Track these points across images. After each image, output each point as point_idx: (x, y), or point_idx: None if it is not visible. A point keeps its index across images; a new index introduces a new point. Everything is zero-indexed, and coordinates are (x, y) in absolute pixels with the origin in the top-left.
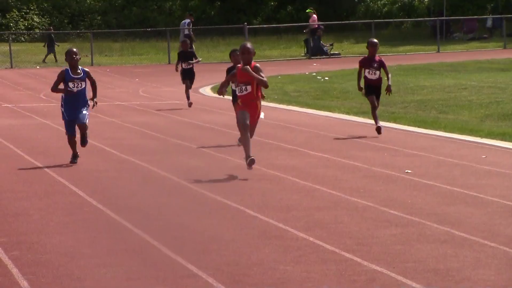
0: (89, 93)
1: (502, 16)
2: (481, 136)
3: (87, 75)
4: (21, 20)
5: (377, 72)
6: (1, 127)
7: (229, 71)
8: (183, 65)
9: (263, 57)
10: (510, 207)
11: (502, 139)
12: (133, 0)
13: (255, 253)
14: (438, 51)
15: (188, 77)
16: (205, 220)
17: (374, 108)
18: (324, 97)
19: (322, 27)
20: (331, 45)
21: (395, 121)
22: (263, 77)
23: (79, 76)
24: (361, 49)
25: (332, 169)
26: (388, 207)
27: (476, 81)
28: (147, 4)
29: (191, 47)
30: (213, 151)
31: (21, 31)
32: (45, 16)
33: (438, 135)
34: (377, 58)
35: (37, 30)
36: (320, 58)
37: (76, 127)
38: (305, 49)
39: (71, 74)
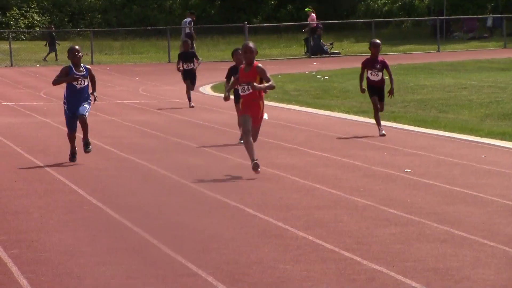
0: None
1: (503, 15)
2: (481, 136)
3: (89, 72)
4: (21, 18)
5: (380, 74)
6: (1, 125)
7: (231, 70)
8: (184, 65)
9: (263, 56)
10: (509, 206)
11: (502, 139)
12: None
13: (255, 252)
14: (438, 51)
15: (189, 77)
16: (204, 219)
17: (377, 110)
18: (324, 96)
19: (321, 26)
20: (331, 44)
21: (395, 120)
22: (269, 79)
23: (81, 74)
24: (361, 48)
25: (332, 168)
26: (387, 206)
27: (476, 80)
28: (147, 3)
29: (192, 47)
30: (213, 150)
31: (21, 30)
32: (46, 15)
33: (438, 135)
34: (380, 58)
35: (37, 29)
36: (320, 57)
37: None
38: (305, 48)
39: (74, 71)
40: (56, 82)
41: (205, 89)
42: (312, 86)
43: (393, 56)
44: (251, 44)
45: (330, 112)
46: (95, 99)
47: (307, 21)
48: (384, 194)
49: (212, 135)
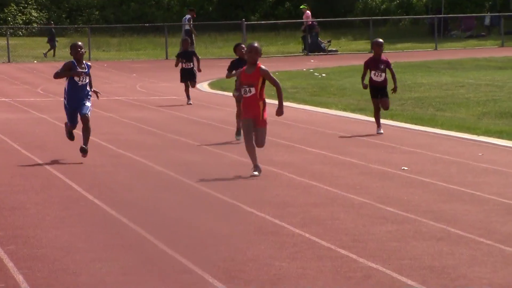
0: None
1: (500, 14)
2: (478, 134)
3: (89, 69)
4: (19, 14)
5: (383, 74)
6: None
7: (232, 63)
8: (184, 65)
9: None
10: (506, 205)
11: (499, 137)
12: None
13: (251, 249)
14: (436, 49)
15: (189, 78)
16: (201, 216)
17: (377, 111)
18: (321, 94)
19: (315, 23)
20: (329, 42)
21: (392, 118)
22: (275, 80)
23: (84, 71)
24: (359, 46)
25: (329, 165)
26: (384, 204)
27: (473, 79)
28: (145, 0)
29: (192, 44)
30: (210, 146)
31: (19, 26)
32: (43, 11)
33: (435, 133)
34: (383, 58)
35: (35, 25)
36: (318, 54)
37: (79, 120)
38: (303, 46)
39: (77, 67)
40: (57, 75)
41: (202, 86)
42: (309, 83)
43: (390, 54)
44: (256, 44)
45: (327, 109)
46: (98, 94)
47: (302, 18)
48: (381, 191)
49: (209, 132)
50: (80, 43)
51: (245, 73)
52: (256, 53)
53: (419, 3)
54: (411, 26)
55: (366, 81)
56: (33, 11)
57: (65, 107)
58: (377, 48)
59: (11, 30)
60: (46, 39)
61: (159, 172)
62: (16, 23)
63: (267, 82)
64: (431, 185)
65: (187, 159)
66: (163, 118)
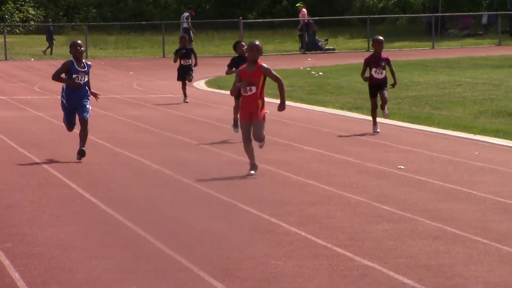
0: None
1: (497, 13)
2: (475, 133)
3: (89, 69)
4: (16, 12)
5: (384, 72)
6: None
7: (232, 61)
8: (182, 61)
9: None
10: (503, 204)
11: (495, 136)
12: None
13: (247, 247)
14: (433, 47)
15: (186, 73)
16: (197, 214)
17: (374, 109)
18: (318, 92)
19: (311, 21)
20: (326, 40)
21: (388, 117)
22: (276, 76)
23: (83, 70)
24: (356, 44)
25: (325, 164)
26: (380, 203)
27: (470, 77)
28: None
29: (191, 41)
30: (207, 145)
31: (16, 23)
32: (40, 9)
33: (431, 131)
34: (384, 56)
35: (32, 23)
36: (315, 53)
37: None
38: (300, 44)
39: (76, 67)
40: (55, 78)
41: (199, 84)
42: (306, 82)
43: (387, 53)
44: (257, 42)
45: (324, 108)
46: (96, 96)
47: (298, 16)
48: (377, 190)
49: (206, 130)
50: (79, 41)
51: (245, 71)
52: (257, 51)
53: (416, 2)
54: (408, 24)
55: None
56: (30, 9)
57: (63, 106)
58: (377, 45)
59: (8, 28)
60: (43, 37)
61: (156, 170)
62: (13, 21)
63: (267, 80)
64: (428, 184)
65: (184, 157)
66: (160, 116)
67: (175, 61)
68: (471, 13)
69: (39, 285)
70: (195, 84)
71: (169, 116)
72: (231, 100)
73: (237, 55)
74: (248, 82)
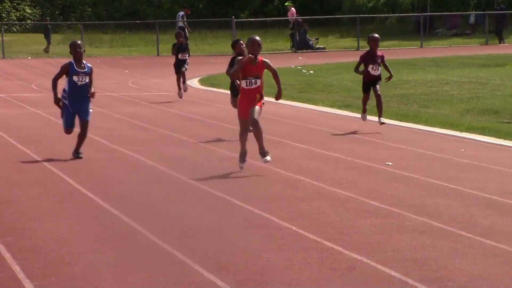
0: None
1: (485, 12)
2: (461, 130)
3: (90, 71)
4: (13, 11)
5: (380, 68)
6: None
7: (233, 60)
8: (179, 55)
9: None
10: (487, 199)
11: (481, 134)
12: None
13: (240, 241)
14: (421, 46)
15: (182, 66)
16: (191, 209)
17: (365, 102)
18: (308, 90)
19: (300, 20)
20: (317, 39)
21: (377, 115)
22: (275, 69)
23: (83, 70)
24: (346, 43)
25: (315, 160)
26: (369, 198)
27: (457, 76)
28: None
29: (186, 39)
30: (200, 142)
31: (13, 22)
32: (37, 7)
33: (419, 129)
34: (379, 53)
35: (28, 21)
36: (306, 52)
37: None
38: (291, 43)
39: (75, 67)
40: (52, 83)
41: (193, 82)
42: (297, 80)
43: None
44: (257, 38)
45: (315, 106)
46: (93, 94)
47: (287, 15)
48: (366, 186)
49: (200, 127)
50: (79, 42)
51: (250, 65)
52: (258, 46)
53: (405, 1)
54: (397, 24)
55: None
56: (27, 7)
57: (65, 107)
58: (373, 43)
59: (6, 27)
60: (40, 35)
61: (151, 166)
62: (10, 19)
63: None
64: (415, 180)
65: (178, 154)
66: (155, 113)
67: (172, 53)
68: (459, 13)
69: (39, 277)
70: (188, 82)
71: (163, 113)
72: (224, 98)
73: (236, 54)
74: (254, 77)
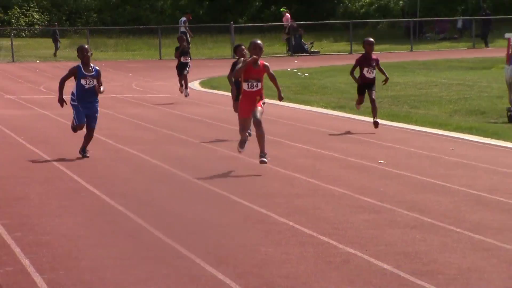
0: None
1: (472, 18)
2: (450, 130)
3: (98, 74)
4: (22, 16)
5: (374, 71)
6: (4, 117)
7: (234, 65)
8: (182, 58)
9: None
10: (475, 196)
11: (469, 133)
12: None
13: (239, 236)
14: (411, 50)
15: (184, 68)
16: (193, 206)
17: (360, 104)
18: (304, 92)
19: (295, 25)
20: (311, 43)
21: (369, 115)
22: (273, 74)
23: (91, 74)
24: (340, 47)
25: (311, 159)
26: (362, 195)
27: (446, 78)
28: (140, 3)
29: (188, 43)
30: (201, 141)
31: (22, 27)
32: (45, 13)
33: (409, 129)
34: (374, 56)
35: (37, 26)
36: (301, 55)
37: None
38: (287, 47)
39: (83, 71)
40: (60, 84)
41: (193, 84)
42: (293, 82)
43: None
44: (259, 41)
45: (310, 107)
46: (100, 89)
47: (289, 21)
48: (359, 183)
49: (201, 127)
50: (86, 46)
51: (252, 68)
52: (260, 49)
53: (396, 7)
54: (388, 29)
55: (357, 75)
56: (35, 13)
57: (74, 105)
58: (368, 46)
59: (15, 32)
60: (48, 39)
61: (154, 165)
62: (19, 25)
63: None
64: (406, 178)
65: (181, 153)
66: (158, 114)
67: (176, 56)
68: (447, 18)
69: (48, 271)
70: (189, 84)
71: (166, 114)
72: (224, 100)
73: (237, 58)
74: (256, 80)
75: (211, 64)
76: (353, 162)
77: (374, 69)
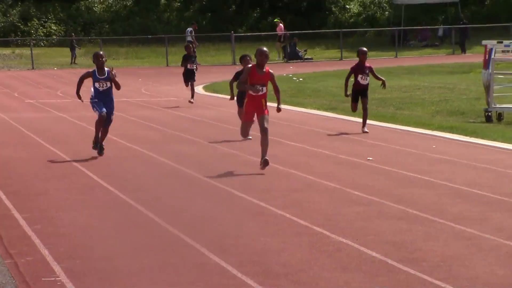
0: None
1: (452, 26)
2: (432, 129)
3: (109, 75)
4: (41, 27)
5: (368, 78)
6: (25, 120)
7: (237, 74)
8: (188, 65)
9: None
10: (456, 189)
11: (450, 132)
12: (136, 11)
13: (241, 227)
14: (396, 57)
15: (191, 77)
16: (198, 199)
17: (354, 110)
18: (299, 95)
19: (288, 34)
20: (305, 51)
21: (359, 116)
22: (277, 85)
23: (103, 77)
24: (331, 54)
25: (306, 156)
26: (353, 189)
27: (428, 82)
28: (148, 15)
29: (194, 51)
30: (204, 140)
31: (41, 37)
32: (61, 25)
33: (395, 128)
34: (367, 64)
35: (54, 37)
36: (296, 62)
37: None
38: (283, 54)
39: (97, 75)
40: (78, 82)
41: (197, 89)
42: (289, 86)
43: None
44: (265, 49)
45: (304, 108)
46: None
47: (284, 30)
48: (350, 178)
49: (204, 128)
50: (101, 52)
51: (257, 73)
52: (265, 57)
53: (382, 17)
54: (375, 37)
55: (350, 86)
56: (52, 25)
57: (94, 101)
58: (362, 56)
59: (34, 41)
60: (65, 48)
61: (162, 162)
62: (38, 35)
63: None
64: (392, 173)
65: (186, 151)
66: (165, 116)
67: (182, 64)
68: (429, 27)
69: (65, 260)
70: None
71: (173, 116)
72: (225, 103)
73: (241, 68)
74: (261, 85)
75: (214, 70)
76: (344, 159)
77: (368, 76)
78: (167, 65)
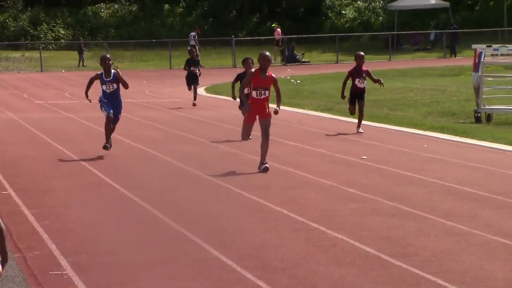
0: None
1: (443, 31)
2: (424, 129)
3: (115, 77)
4: (49, 32)
5: (365, 81)
6: (34, 120)
7: (238, 76)
8: (191, 69)
9: None
10: (446, 187)
11: (441, 132)
12: (141, 16)
13: (240, 223)
14: (390, 60)
15: (194, 81)
16: (199, 196)
17: (352, 113)
18: (296, 97)
19: (285, 39)
20: (302, 54)
21: (354, 117)
22: (279, 88)
23: (109, 79)
24: (327, 57)
25: (303, 155)
26: (348, 187)
27: (420, 84)
28: (152, 20)
29: (197, 55)
30: (206, 140)
31: (49, 41)
32: (69, 29)
33: (389, 128)
34: (364, 68)
35: (62, 40)
36: (294, 65)
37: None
38: (281, 57)
39: (104, 78)
40: (88, 84)
41: (199, 91)
42: (287, 88)
43: (352, 65)
44: (268, 53)
45: (302, 109)
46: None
47: (283, 35)
48: (345, 176)
49: (206, 128)
50: (108, 55)
51: (260, 77)
52: (268, 61)
53: (376, 22)
54: (369, 41)
55: (348, 89)
56: (61, 29)
57: (103, 102)
58: (359, 60)
59: (43, 45)
60: (72, 52)
61: (165, 161)
62: (47, 39)
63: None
64: (386, 171)
65: (188, 150)
66: (168, 117)
67: (184, 68)
68: (421, 32)
69: (72, 254)
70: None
71: (175, 116)
72: (226, 104)
73: (243, 70)
74: (264, 88)
75: (215, 73)
76: (339, 158)
77: (365, 79)
78: (171, 68)
